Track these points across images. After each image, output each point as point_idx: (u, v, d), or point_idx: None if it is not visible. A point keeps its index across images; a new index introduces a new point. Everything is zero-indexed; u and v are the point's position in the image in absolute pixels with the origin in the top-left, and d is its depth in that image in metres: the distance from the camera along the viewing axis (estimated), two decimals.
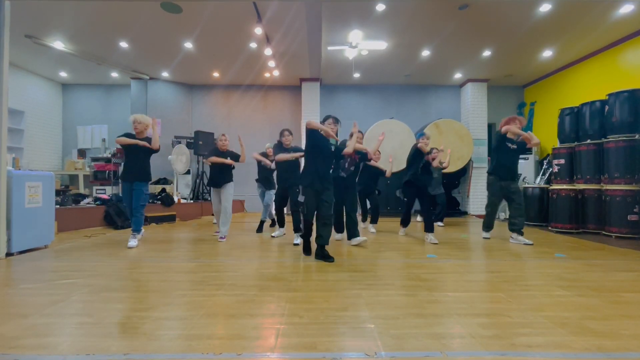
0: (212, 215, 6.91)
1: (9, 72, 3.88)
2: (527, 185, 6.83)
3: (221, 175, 4.61)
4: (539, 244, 4.43)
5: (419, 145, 4.53)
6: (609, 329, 1.83)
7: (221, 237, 4.58)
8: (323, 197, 3.51)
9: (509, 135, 4.41)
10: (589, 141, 5.40)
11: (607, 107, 5.21)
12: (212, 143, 7.98)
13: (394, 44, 6.44)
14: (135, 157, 4.15)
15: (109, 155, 8.39)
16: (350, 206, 4.34)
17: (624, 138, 4.92)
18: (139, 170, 4.17)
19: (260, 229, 5.42)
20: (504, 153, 4.45)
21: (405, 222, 5.08)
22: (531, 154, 7.82)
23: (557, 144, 6.06)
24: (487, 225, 4.77)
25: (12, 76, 7.49)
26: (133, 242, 4.10)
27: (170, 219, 6.69)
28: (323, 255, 3.42)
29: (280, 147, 4.59)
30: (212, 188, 4.73)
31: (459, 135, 7.74)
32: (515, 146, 4.44)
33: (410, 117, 8.76)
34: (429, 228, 4.51)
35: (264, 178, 5.61)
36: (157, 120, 4.38)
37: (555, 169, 5.85)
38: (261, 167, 5.56)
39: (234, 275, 2.88)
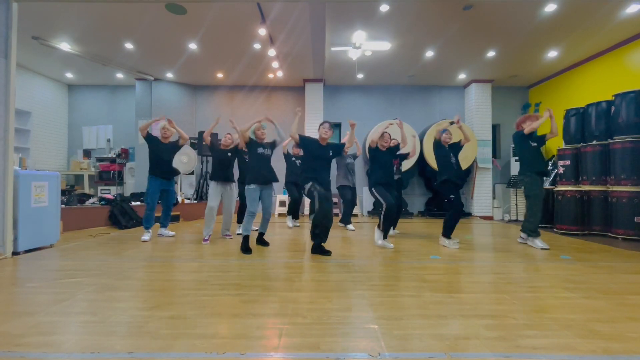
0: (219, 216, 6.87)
1: (16, 73, 3.93)
2: None
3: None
4: None
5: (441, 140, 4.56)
6: (615, 332, 1.82)
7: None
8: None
9: (526, 132, 4.22)
10: (594, 142, 5.35)
11: (613, 108, 5.17)
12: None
13: (398, 45, 6.43)
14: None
15: (114, 156, 8.45)
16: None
17: (631, 139, 4.87)
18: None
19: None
20: (528, 151, 4.28)
21: (451, 230, 4.29)
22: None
23: (563, 145, 6.01)
24: (535, 230, 4.24)
25: (19, 77, 7.57)
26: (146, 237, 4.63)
27: (174, 219, 6.72)
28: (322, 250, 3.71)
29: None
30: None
31: (462, 136, 7.68)
32: (535, 143, 4.29)
33: (413, 117, 8.73)
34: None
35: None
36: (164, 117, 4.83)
37: (561, 170, 5.81)
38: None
39: (237, 275, 2.89)
